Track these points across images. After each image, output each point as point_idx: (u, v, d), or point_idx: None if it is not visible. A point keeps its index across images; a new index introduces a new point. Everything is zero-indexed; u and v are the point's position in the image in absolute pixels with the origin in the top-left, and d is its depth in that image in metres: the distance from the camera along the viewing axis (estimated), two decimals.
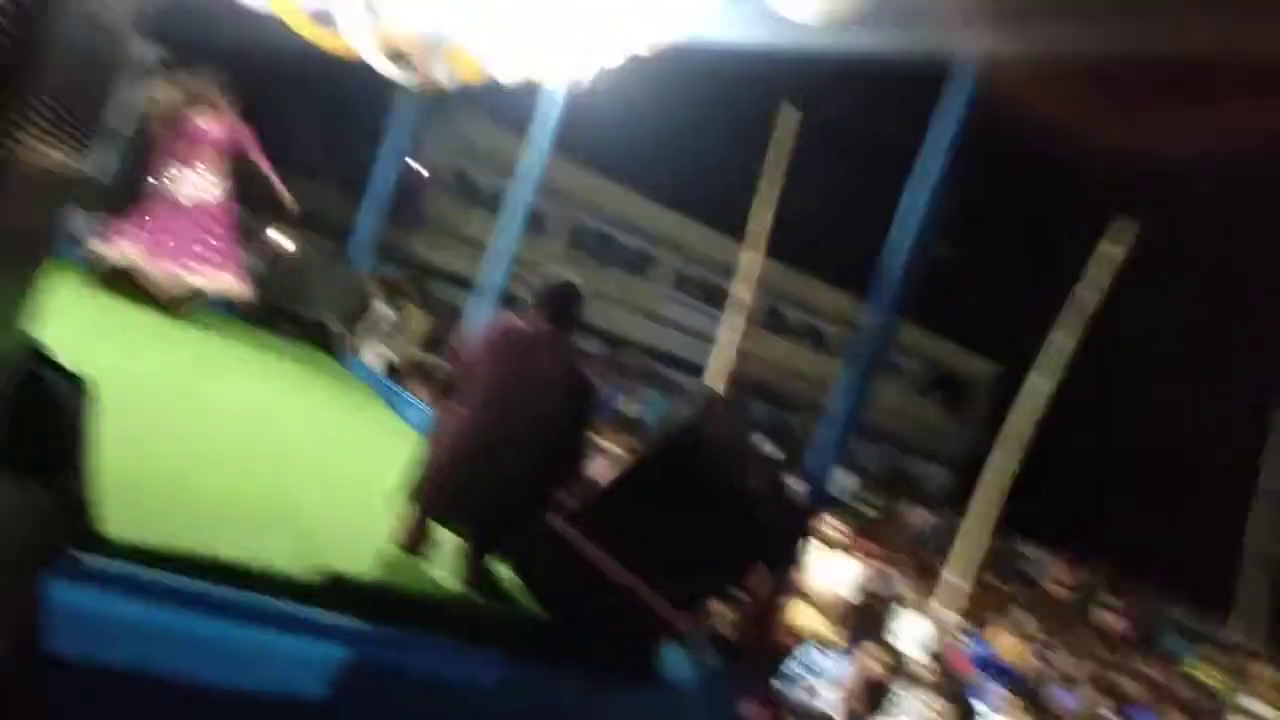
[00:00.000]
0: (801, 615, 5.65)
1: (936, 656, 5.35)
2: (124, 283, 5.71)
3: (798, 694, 5.20)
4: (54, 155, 1.28)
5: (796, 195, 8.55)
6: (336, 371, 6.74)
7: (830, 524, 6.08)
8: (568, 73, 5.74)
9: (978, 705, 4.95)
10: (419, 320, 11.98)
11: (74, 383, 1.65)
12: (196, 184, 5.85)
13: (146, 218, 5.78)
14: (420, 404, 6.05)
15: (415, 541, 3.23)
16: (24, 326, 1.51)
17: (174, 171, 5.82)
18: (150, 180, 5.92)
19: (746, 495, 2.90)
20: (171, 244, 5.74)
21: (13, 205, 1.16)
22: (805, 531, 3.26)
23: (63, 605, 2.09)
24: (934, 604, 6.56)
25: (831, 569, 6.07)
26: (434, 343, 10.45)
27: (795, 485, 3.49)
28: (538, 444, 3.13)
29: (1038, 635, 7.37)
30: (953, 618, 6.41)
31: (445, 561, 3.22)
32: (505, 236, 6.37)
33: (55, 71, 1.02)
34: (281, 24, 7.08)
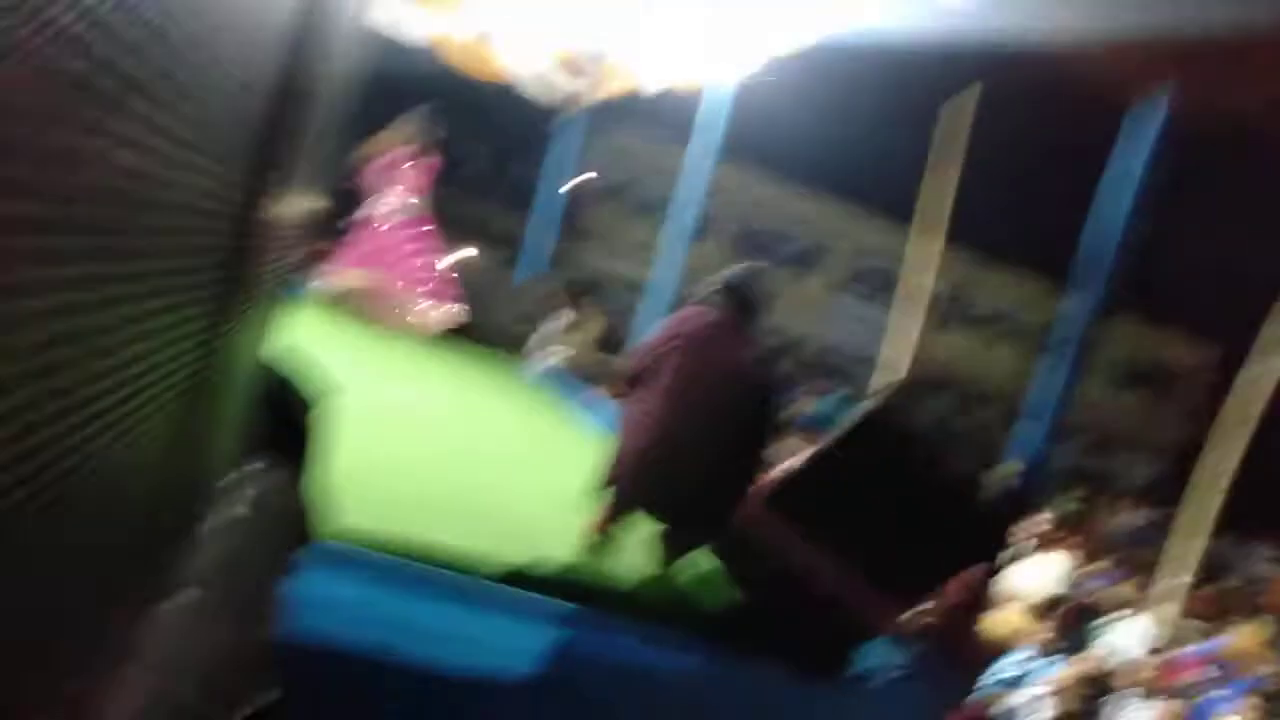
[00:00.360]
0: (1005, 617, 5.36)
1: (1157, 653, 4.94)
2: (350, 305, 6.19)
3: (1005, 698, 4.94)
4: (303, 202, 1.37)
5: (980, 178, 8.15)
6: (523, 375, 7.01)
7: (1035, 520, 5.73)
8: (722, 74, 5.73)
9: (1209, 706, 4.53)
10: (596, 324, 12.26)
11: (311, 390, 1.80)
12: (395, 205, 6.26)
13: (358, 242, 6.24)
14: (602, 403, 6.18)
15: (610, 529, 3.30)
16: (268, 346, 1.66)
17: (380, 199, 6.26)
18: (357, 214, 6.42)
19: (955, 484, 2.77)
20: (388, 262, 6.17)
21: (271, 251, 1.25)
22: (1017, 523, 3.08)
23: (309, 590, 2.28)
24: (1151, 602, 6.06)
25: (1037, 567, 5.72)
26: (610, 345, 10.66)
27: (998, 478, 3.32)
28: (726, 431, 3.13)
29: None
30: (1173, 615, 5.89)
31: (644, 549, 3.28)
32: (672, 240, 6.42)
33: (311, 127, 1.10)
34: (438, 56, 7.44)
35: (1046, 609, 5.61)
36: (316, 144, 1.32)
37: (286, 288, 1.83)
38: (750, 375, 3.21)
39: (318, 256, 8.83)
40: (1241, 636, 5.93)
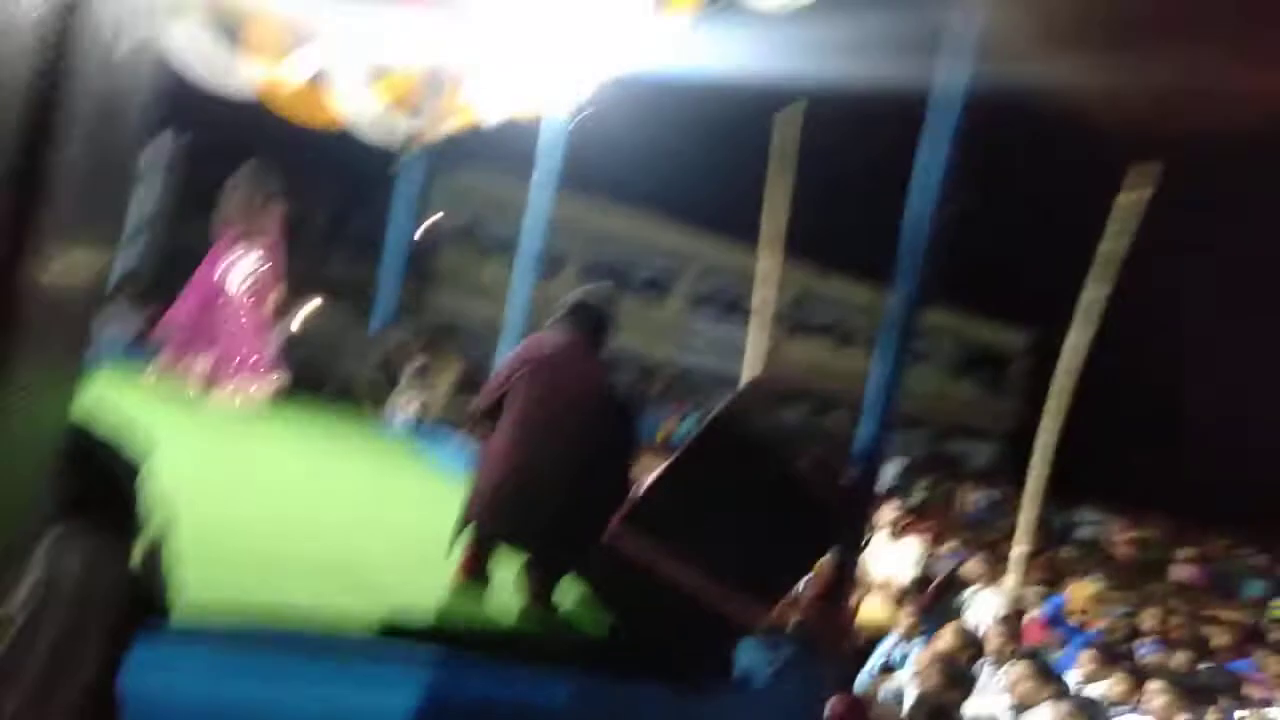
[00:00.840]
0: (871, 605, 5.58)
1: (1007, 620, 5.25)
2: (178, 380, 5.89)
3: (878, 686, 5.13)
4: (80, 255, 1.30)
5: (810, 192, 8.55)
6: (376, 427, 6.82)
7: (886, 508, 6.02)
8: (558, 102, 5.82)
9: (1058, 666, 4.86)
10: (453, 368, 12.08)
11: (127, 452, 1.70)
12: (246, 271, 6.05)
13: (192, 312, 5.95)
14: (462, 448, 6.10)
15: (477, 569, 3.24)
16: (71, 413, 1.56)
17: (228, 260, 6.01)
18: (197, 271, 6.13)
19: (803, 478, 2.87)
20: (221, 352, 5.92)
21: (45, 311, 1.18)
22: (868, 513, 3.22)
23: (147, 667, 2.14)
24: (1002, 578, 6.46)
25: (893, 553, 6.00)
26: (466, 389, 10.52)
27: (847, 471, 3.47)
28: (582, 455, 3.15)
29: (1112, 594, 7.22)
30: (1022, 587, 6.30)
31: (509, 586, 3.24)
32: (522, 276, 6.42)
33: (75, 167, 1.05)
34: (267, 106, 7.25)
35: (905, 594, 5.88)
36: (93, 195, 1.25)
37: (92, 354, 1.73)
38: (605, 395, 3.24)
39: (150, 323, 8.35)
40: (1075, 595, 6.42)
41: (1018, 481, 7.24)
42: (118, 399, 2.25)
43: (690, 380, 19.72)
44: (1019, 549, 6.14)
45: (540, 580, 3.17)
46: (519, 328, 6.26)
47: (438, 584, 3.21)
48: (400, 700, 2.62)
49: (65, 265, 1.14)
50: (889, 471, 12.00)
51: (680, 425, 10.03)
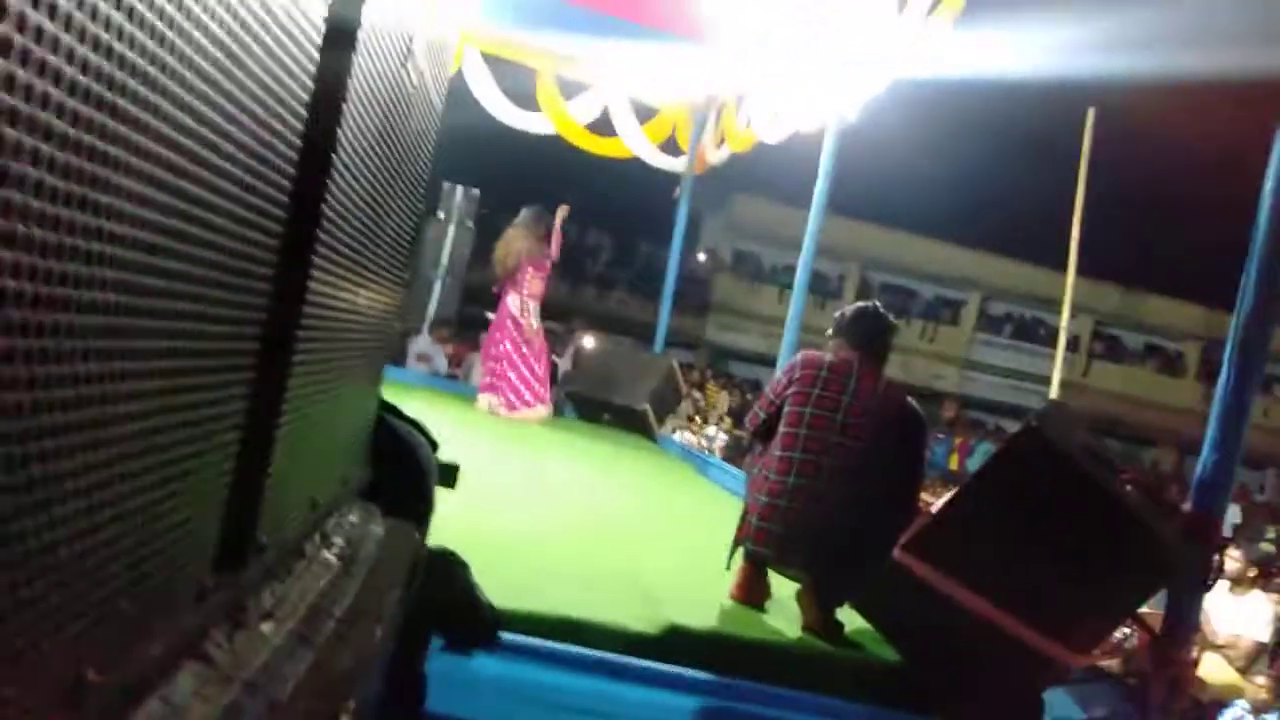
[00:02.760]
0: (1211, 666, 4.79)
1: None
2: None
3: None
4: (377, 290, 1.39)
5: (1110, 207, 7.71)
6: (655, 450, 6.97)
7: (1231, 557, 5.14)
8: (830, 115, 5.65)
9: None
10: (722, 398, 12.19)
11: (426, 438, 1.78)
12: (536, 315, 6.58)
13: (502, 355, 6.57)
14: (736, 472, 6.06)
15: (752, 592, 3.13)
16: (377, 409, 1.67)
17: (520, 305, 6.52)
18: (492, 314, 6.75)
19: (1130, 503, 2.48)
20: (519, 388, 6.55)
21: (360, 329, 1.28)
22: (1211, 549, 2.72)
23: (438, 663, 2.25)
24: None
25: (1238, 608, 5.11)
26: (738, 418, 10.54)
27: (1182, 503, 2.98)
28: (862, 476, 2.96)
29: None
30: None
31: (787, 611, 3.10)
32: (795, 305, 6.26)
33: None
34: (560, 141, 7.73)
35: (1256, 656, 5.00)
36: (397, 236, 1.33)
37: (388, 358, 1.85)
38: (888, 410, 3.04)
39: (456, 360, 9.34)
40: None
41: None
42: (422, 411, 2.39)
43: (981, 409, 18.47)
44: None
45: (819, 603, 2.99)
46: (793, 354, 6.11)
47: (715, 601, 3.14)
48: (670, 712, 2.57)
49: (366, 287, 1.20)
50: (1233, 513, 10.42)
51: (972, 454, 9.34)
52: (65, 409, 0.51)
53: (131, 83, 0.53)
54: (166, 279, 0.62)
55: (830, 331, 3.23)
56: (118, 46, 0.51)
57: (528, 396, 6.61)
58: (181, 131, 0.60)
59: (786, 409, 3.08)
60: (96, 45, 0.48)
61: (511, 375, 6.60)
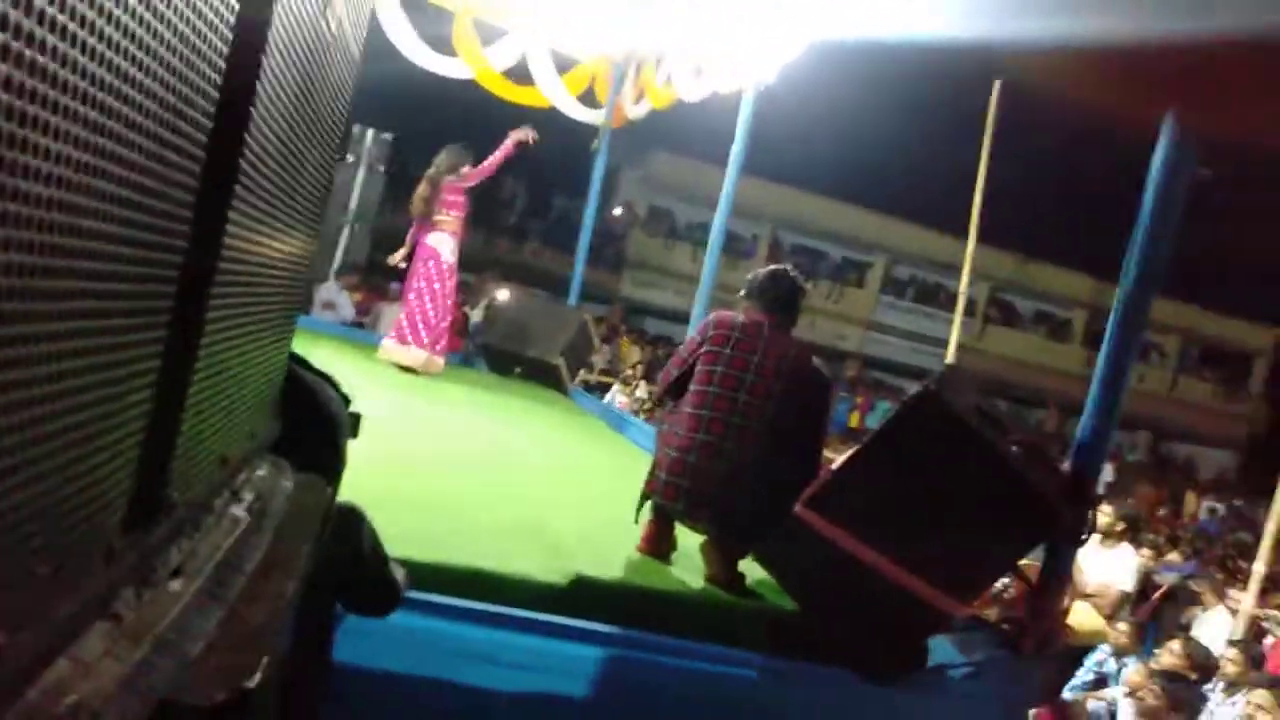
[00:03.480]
0: (1080, 613, 5.13)
1: (1245, 643, 4.68)
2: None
3: (1087, 699, 4.72)
4: (292, 240, 1.36)
5: (1011, 176, 7.98)
6: (565, 404, 6.98)
7: (1103, 512, 5.49)
8: (750, 76, 5.67)
9: None
10: (634, 353, 12.27)
11: (337, 391, 1.76)
12: (451, 248, 6.32)
13: (414, 295, 6.32)
14: (645, 427, 6.14)
15: (659, 545, 3.22)
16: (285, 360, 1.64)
17: (436, 236, 6.31)
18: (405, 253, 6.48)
19: (1014, 462, 2.63)
20: (425, 328, 6.27)
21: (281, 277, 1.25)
22: (1086, 506, 2.91)
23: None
24: (1235, 594, 5.77)
25: (1107, 560, 5.48)
26: (649, 373, 10.63)
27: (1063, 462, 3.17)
28: (767, 433, 3.05)
29: None
30: (1260, 609, 5.59)
31: (692, 563, 3.19)
32: (709, 263, 6.31)
33: (273, 154, 1.07)
34: (476, 87, 7.53)
35: (1120, 604, 5.37)
36: (297, 174, 1.29)
37: (298, 309, 1.81)
38: (794, 370, 3.13)
39: (364, 307, 9.05)
40: None
41: (1256, 491, 6.45)
42: (328, 360, 2.35)
43: (882, 369, 19.06)
44: (1259, 567, 5.45)
45: (723, 556, 3.09)
46: (707, 312, 6.17)
47: (622, 555, 3.21)
48: (578, 669, 2.63)
49: (273, 235, 1.18)
50: (1107, 472, 11.07)
51: (872, 411, 9.66)
52: None
53: (44, 33, 0.51)
54: (78, 230, 0.61)
55: (743, 293, 3.30)
56: None
57: (410, 336, 6.26)
58: (95, 83, 0.59)
59: (698, 368, 3.14)
60: None
61: (405, 312, 6.39)
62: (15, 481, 0.56)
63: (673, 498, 3.11)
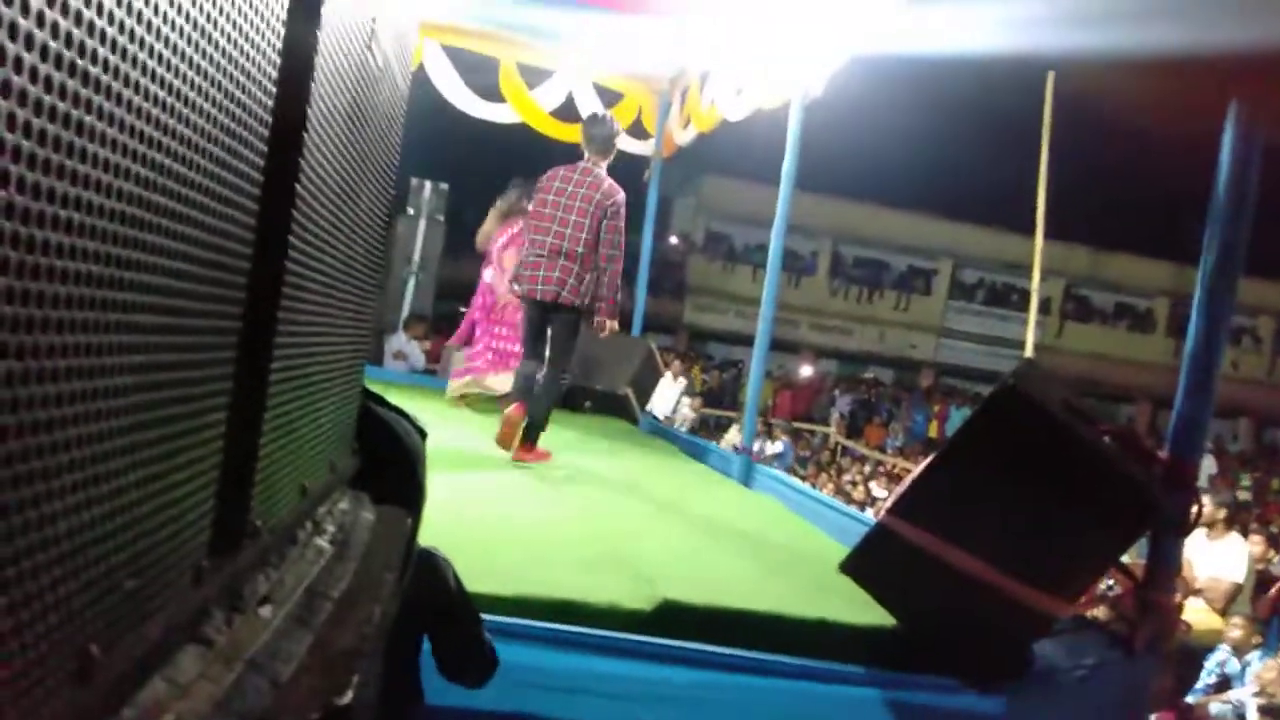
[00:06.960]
0: (1195, 611, 4.88)
1: None
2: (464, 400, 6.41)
3: (1210, 701, 4.48)
4: (364, 281, 1.40)
5: (1075, 168, 7.77)
6: (638, 434, 6.98)
7: (1206, 502, 5.23)
8: (794, 90, 5.64)
9: None
10: (701, 379, 12.23)
11: (413, 425, 1.78)
12: (499, 286, 6.43)
13: (477, 328, 6.43)
14: (721, 452, 6.10)
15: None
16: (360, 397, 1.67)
17: (495, 277, 6.43)
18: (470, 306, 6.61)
19: (1109, 452, 2.52)
20: (492, 355, 6.35)
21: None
22: (1189, 495, 2.77)
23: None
24: None
25: (1216, 553, 5.21)
26: (718, 398, 10.57)
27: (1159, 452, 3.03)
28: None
29: None
30: None
31: (781, 584, 3.12)
32: (769, 283, 6.23)
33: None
34: (525, 129, 7.66)
35: (1234, 598, 5.10)
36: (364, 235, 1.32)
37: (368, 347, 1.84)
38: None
39: (434, 356, 9.18)
40: None
41: None
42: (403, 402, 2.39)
43: (958, 376, 18.61)
44: None
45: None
46: (768, 334, 6.07)
47: (711, 578, 3.16)
48: (668, 692, 2.59)
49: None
50: (1209, 464, 10.56)
51: (948, 421, 9.42)
52: (60, 403, 0.51)
53: (95, 71, 0.52)
54: (148, 266, 0.62)
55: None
56: (86, 18, 0.51)
57: (473, 365, 6.33)
58: (152, 123, 0.60)
59: None
60: (57, 31, 0.48)
61: (472, 348, 6.47)
62: (102, 495, 0.57)
63: None
